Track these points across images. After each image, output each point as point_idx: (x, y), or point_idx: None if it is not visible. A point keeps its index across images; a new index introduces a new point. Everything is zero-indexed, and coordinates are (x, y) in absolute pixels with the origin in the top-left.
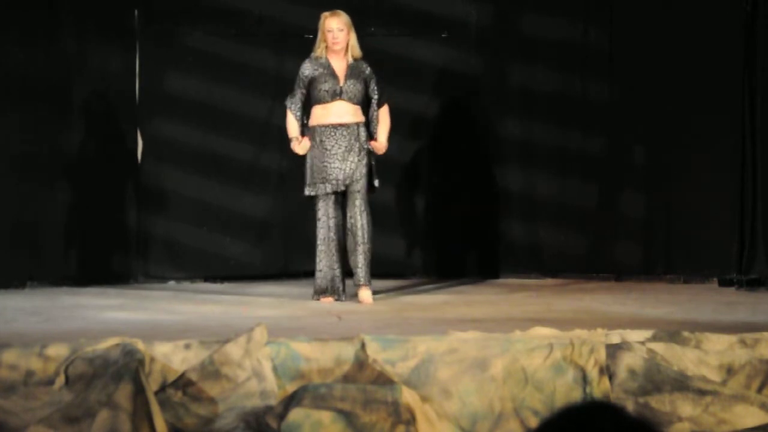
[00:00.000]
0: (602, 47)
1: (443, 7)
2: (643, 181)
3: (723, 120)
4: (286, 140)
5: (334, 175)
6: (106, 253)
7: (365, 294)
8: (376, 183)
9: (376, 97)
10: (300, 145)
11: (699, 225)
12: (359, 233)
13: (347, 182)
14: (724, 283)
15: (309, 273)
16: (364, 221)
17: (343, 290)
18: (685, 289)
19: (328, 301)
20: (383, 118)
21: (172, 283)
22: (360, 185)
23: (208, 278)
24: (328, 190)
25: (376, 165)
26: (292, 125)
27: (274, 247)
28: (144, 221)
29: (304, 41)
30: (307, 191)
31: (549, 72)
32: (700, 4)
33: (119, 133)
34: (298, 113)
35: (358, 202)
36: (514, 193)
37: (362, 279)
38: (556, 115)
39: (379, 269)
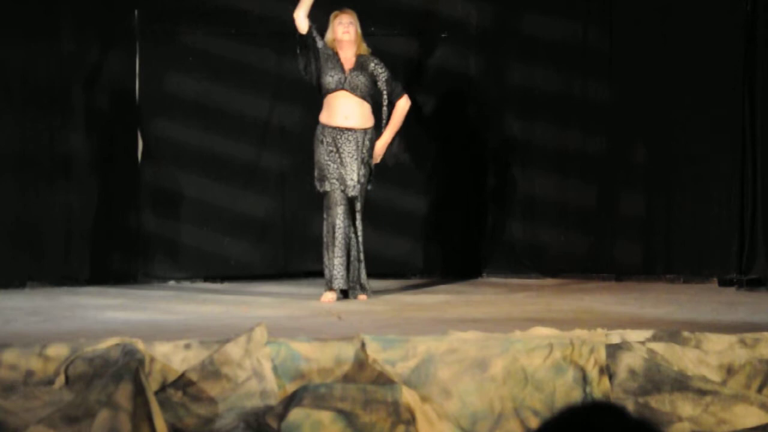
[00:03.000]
0: (602, 47)
1: (443, 7)
2: (643, 181)
3: (723, 120)
4: (286, 140)
5: (340, 177)
6: (106, 253)
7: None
8: (370, 187)
9: (386, 92)
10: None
11: (699, 225)
12: (354, 247)
13: (348, 192)
14: (724, 283)
15: (309, 273)
16: (360, 236)
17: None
18: (685, 289)
19: (328, 300)
20: (395, 117)
21: (172, 283)
22: (359, 198)
23: (208, 278)
24: (337, 187)
25: (374, 169)
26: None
27: (274, 247)
28: (144, 221)
29: None
30: (319, 187)
31: (549, 72)
32: (700, 5)
33: (119, 133)
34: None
35: (356, 215)
36: (514, 193)
37: (360, 290)
38: (556, 115)
39: (379, 269)
